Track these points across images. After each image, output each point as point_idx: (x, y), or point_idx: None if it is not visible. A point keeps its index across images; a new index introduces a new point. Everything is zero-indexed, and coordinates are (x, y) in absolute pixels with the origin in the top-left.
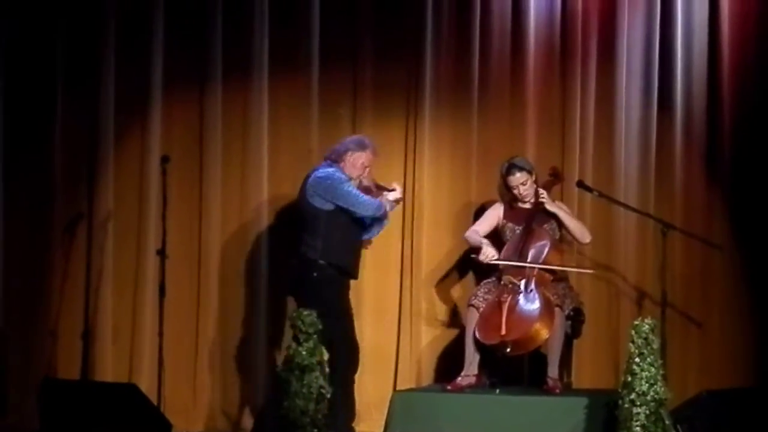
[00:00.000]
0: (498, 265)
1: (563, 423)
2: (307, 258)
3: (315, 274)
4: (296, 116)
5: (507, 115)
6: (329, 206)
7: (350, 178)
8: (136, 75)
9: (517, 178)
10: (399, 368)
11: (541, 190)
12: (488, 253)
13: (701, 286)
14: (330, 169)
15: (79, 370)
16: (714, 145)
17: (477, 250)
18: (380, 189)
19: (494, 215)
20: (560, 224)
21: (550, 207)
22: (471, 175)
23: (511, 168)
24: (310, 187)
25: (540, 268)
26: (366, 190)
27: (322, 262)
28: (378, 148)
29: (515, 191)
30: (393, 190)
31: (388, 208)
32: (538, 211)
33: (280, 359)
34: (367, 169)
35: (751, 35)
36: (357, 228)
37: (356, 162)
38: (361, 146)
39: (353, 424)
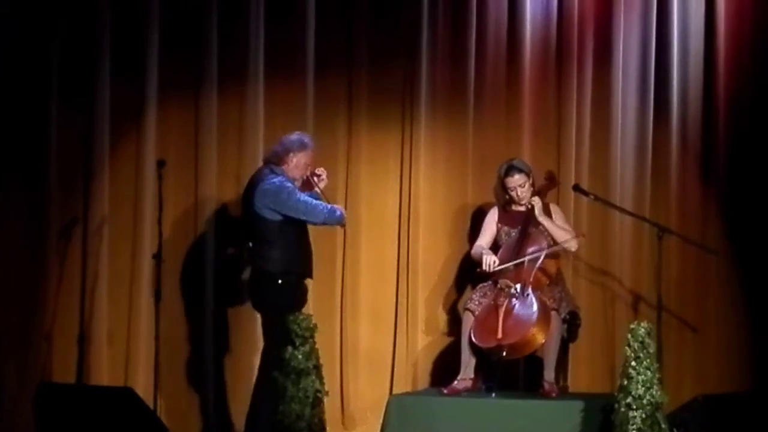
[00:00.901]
0: (502, 270)
1: (559, 427)
2: (266, 270)
3: (279, 281)
4: (291, 121)
5: (503, 119)
6: (279, 217)
7: (294, 179)
8: (131, 79)
9: (516, 179)
10: (395, 372)
11: (534, 199)
12: (489, 261)
13: (697, 290)
14: (277, 179)
15: (75, 374)
16: (710, 149)
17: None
18: (313, 176)
19: (492, 222)
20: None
21: (540, 218)
22: (467, 179)
23: (510, 169)
24: (258, 199)
25: (539, 257)
26: (304, 185)
27: (282, 271)
28: (371, 152)
29: (512, 193)
30: (319, 175)
31: (340, 214)
32: (533, 215)
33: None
34: (309, 168)
35: (746, 40)
36: (306, 230)
37: (299, 163)
38: (302, 146)
39: None
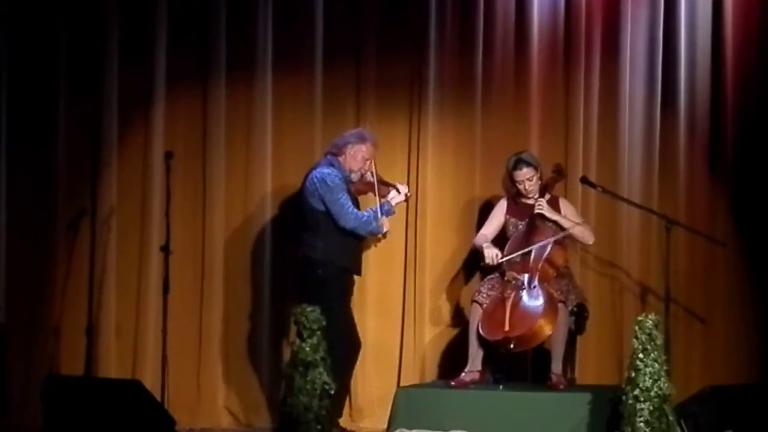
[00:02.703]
0: (503, 262)
1: (567, 419)
2: (310, 257)
3: (320, 272)
4: (300, 112)
5: (511, 111)
6: (324, 207)
7: (351, 171)
8: (139, 71)
9: (524, 173)
10: (403, 364)
11: (539, 201)
12: (491, 255)
13: (705, 282)
14: (327, 170)
15: (83, 366)
16: (717, 141)
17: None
18: (386, 185)
19: (500, 213)
20: (562, 229)
21: (549, 215)
22: (474, 171)
23: (518, 163)
24: (307, 186)
25: (542, 246)
26: (367, 186)
27: (324, 260)
28: (380, 142)
29: (520, 186)
30: (398, 189)
31: (375, 227)
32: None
33: (284, 354)
34: (368, 162)
35: (754, 32)
36: None
37: (356, 155)
38: (361, 139)
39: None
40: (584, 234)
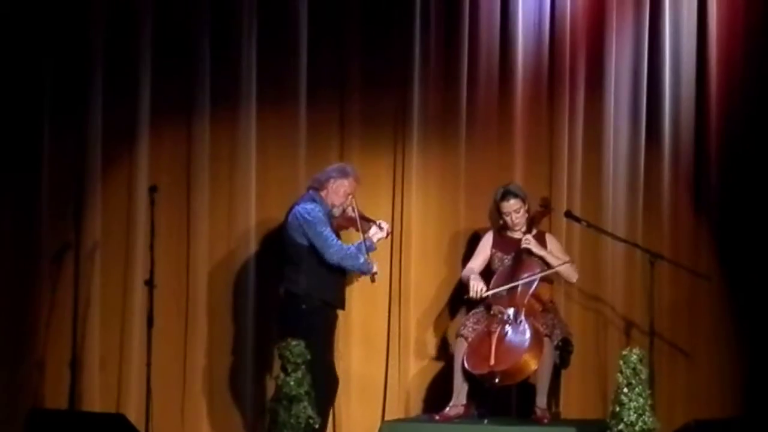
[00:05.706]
0: (495, 295)
1: None
2: (292, 292)
3: (303, 306)
4: (284, 146)
5: (495, 145)
6: (307, 242)
7: (333, 206)
8: (123, 105)
9: (511, 204)
10: (387, 398)
11: (526, 237)
12: (476, 288)
13: (689, 316)
14: (310, 206)
15: (67, 400)
16: (702, 174)
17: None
18: (367, 221)
19: (486, 246)
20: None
21: (536, 251)
22: (459, 204)
23: (506, 194)
24: (290, 221)
25: (528, 281)
26: (349, 221)
27: (307, 295)
28: (363, 177)
29: (507, 218)
30: (380, 226)
31: (363, 263)
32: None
33: (268, 388)
34: (350, 197)
35: (738, 65)
36: None
37: (338, 189)
38: (343, 174)
39: None
40: (569, 272)
